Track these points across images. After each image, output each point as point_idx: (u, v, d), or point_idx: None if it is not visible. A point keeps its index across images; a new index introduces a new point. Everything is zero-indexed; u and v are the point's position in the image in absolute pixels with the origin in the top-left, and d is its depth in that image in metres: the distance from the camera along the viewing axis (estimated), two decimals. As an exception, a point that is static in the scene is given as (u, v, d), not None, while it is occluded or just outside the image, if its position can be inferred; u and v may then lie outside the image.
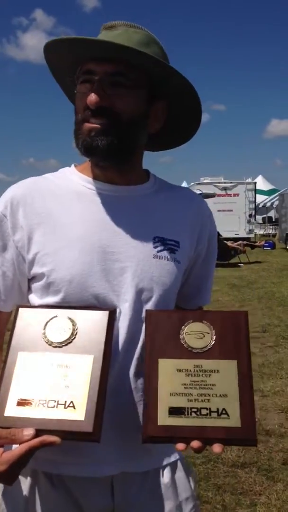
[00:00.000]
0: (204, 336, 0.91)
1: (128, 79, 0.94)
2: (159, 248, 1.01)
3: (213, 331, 0.91)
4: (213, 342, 0.90)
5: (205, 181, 18.83)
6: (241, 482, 2.76)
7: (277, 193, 25.79)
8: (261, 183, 28.81)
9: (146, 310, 0.97)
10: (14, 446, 0.83)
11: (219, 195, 17.58)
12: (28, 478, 0.99)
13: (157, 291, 1.00)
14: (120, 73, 0.93)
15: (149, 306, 0.99)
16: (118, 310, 0.97)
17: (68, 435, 0.82)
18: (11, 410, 0.84)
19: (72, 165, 1.10)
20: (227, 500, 2.59)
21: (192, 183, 19.72)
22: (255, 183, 19.91)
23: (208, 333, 0.91)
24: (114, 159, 0.97)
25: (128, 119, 0.95)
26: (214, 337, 0.91)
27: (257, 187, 20.59)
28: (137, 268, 0.98)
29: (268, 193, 29.10)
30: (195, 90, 0.99)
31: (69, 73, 0.99)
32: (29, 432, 0.81)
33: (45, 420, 0.83)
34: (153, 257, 1.00)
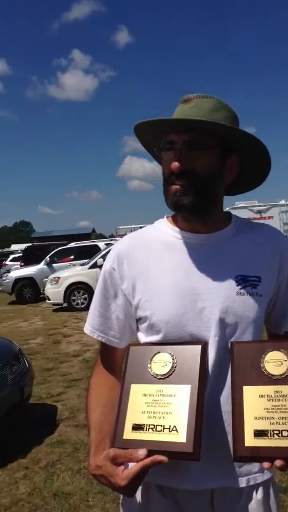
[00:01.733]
0: (282, 364, 0.99)
1: (202, 143, 1.08)
2: (241, 286, 1.13)
3: None
4: None
5: (239, 206, 18.84)
6: None
7: (312, 214, 25.44)
8: (295, 204, 28.50)
9: (231, 342, 1.08)
10: (131, 465, 0.97)
11: (253, 219, 17.54)
12: (141, 489, 1.13)
13: (242, 324, 1.11)
14: (195, 140, 1.08)
15: (235, 338, 1.11)
16: (209, 344, 1.09)
17: (173, 455, 0.95)
18: (128, 433, 1.00)
19: (165, 217, 1.26)
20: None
21: (227, 208, 19.59)
22: (289, 204, 19.74)
23: (286, 360, 0.99)
24: (198, 212, 1.12)
25: (206, 176, 1.10)
26: None
27: (292, 208, 20.41)
28: (223, 305, 1.11)
29: (303, 213, 28.71)
30: (262, 143, 1.11)
31: (156, 141, 1.15)
32: (143, 452, 0.95)
33: (154, 442, 0.97)
34: (236, 294, 1.12)
